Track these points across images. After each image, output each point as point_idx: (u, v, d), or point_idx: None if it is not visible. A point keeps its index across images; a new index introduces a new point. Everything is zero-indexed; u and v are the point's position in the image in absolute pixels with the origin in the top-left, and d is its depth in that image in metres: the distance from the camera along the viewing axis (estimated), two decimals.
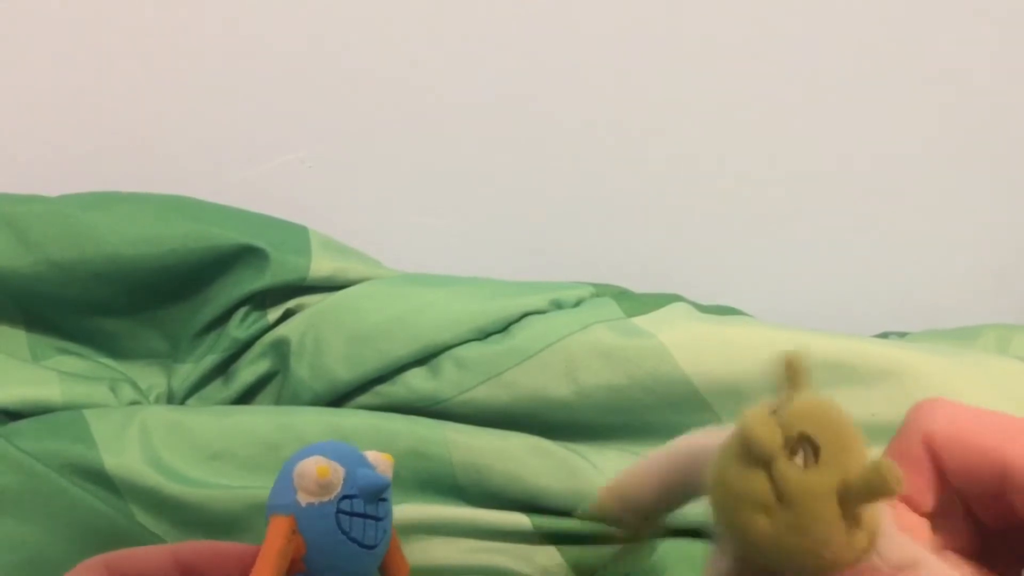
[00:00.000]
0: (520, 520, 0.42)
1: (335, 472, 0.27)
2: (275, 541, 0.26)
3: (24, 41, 0.52)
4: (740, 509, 0.24)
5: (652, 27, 0.55)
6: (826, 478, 0.23)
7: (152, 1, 0.52)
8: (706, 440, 0.29)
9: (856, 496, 0.22)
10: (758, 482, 0.23)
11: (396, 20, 0.53)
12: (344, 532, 0.27)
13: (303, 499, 0.27)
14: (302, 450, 0.28)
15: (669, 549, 0.42)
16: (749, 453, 0.23)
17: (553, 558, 0.43)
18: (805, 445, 0.23)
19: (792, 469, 0.23)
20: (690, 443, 0.30)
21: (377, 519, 0.28)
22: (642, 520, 0.34)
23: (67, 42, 0.52)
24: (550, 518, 0.43)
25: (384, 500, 0.29)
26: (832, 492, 0.23)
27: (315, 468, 0.27)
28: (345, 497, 0.27)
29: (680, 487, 0.31)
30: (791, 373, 0.25)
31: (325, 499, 0.27)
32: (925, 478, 0.25)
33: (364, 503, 0.28)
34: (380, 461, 0.29)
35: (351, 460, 0.28)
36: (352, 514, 0.27)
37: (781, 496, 0.23)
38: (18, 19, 0.52)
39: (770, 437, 0.23)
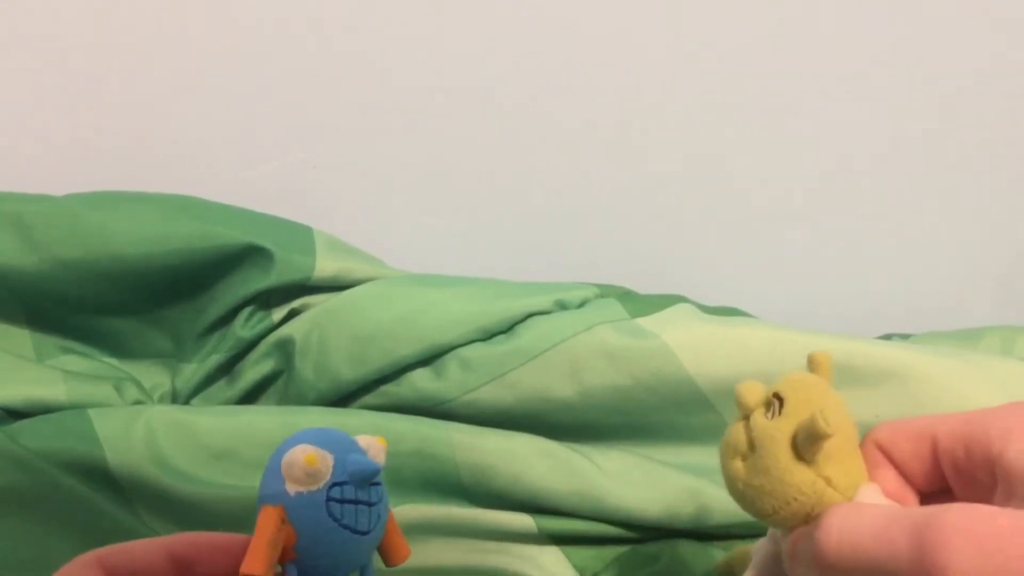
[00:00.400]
0: (524, 521, 0.42)
1: (323, 460, 0.27)
2: (265, 531, 0.26)
3: (29, 40, 0.52)
4: (726, 455, 0.28)
5: (654, 28, 0.55)
6: (783, 426, 0.27)
7: (158, 1, 0.52)
8: None
9: (801, 440, 0.26)
10: (740, 432, 0.28)
11: (401, 22, 0.53)
12: (335, 519, 0.27)
13: (292, 488, 0.27)
14: (290, 438, 0.28)
15: (674, 551, 0.42)
16: (738, 410, 0.28)
17: (557, 559, 0.43)
18: (775, 401, 0.27)
19: (760, 419, 0.27)
20: None
21: (370, 504, 0.28)
22: None
23: (72, 41, 0.52)
24: (554, 519, 0.43)
25: (377, 484, 0.28)
26: (787, 438, 0.26)
27: (303, 457, 0.26)
28: (335, 484, 0.27)
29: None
30: (814, 368, 0.29)
31: (314, 488, 0.27)
32: (892, 472, 0.28)
33: (355, 489, 0.27)
34: (372, 445, 0.29)
35: (341, 446, 0.28)
36: (343, 501, 0.27)
37: (750, 442, 0.27)
38: (23, 18, 0.52)
39: (751, 395, 0.28)
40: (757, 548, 0.35)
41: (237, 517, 0.40)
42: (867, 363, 0.44)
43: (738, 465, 0.28)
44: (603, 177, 0.57)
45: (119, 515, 0.40)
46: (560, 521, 0.43)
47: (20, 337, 0.47)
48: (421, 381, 0.45)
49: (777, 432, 0.27)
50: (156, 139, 0.54)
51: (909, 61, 0.56)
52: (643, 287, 0.50)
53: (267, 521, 0.26)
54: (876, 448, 0.28)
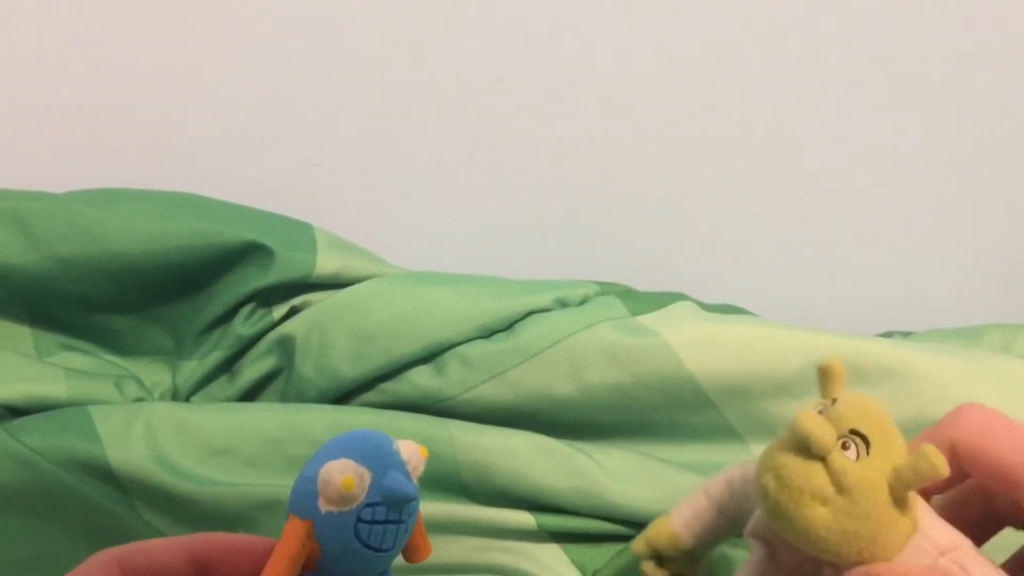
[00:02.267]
0: (525, 519, 0.42)
1: (360, 482, 0.26)
2: (290, 545, 0.26)
3: (31, 38, 0.52)
4: (800, 502, 0.26)
5: (655, 29, 0.55)
6: (878, 466, 0.26)
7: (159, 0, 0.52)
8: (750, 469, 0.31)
9: (906, 481, 0.25)
10: (817, 475, 0.26)
11: (404, 21, 0.53)
12: (361, 541, 0.26)
13: (323, 506, 0.26)
14: (333, 442, 0.27)
15: None
16: (806, 449, 0.26)
17: (557, 557, 0.43)
18: (856, 439, 0.26)
19: (847, 461, 0.26)
20: (741, 473, 0.33)
21: (399, 522, 0.27)
22: (690, 559, 0.36)
23: (74, 39, 0.52)
24: (555, 516, 0.43)
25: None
26: (884, 479, 0.25)
27: (339, 480, 0.26)
28: (368, 505, 0.26)
29: (733, 516, 0.33)
30: (827, 379, 0.28)
31: (346, 509, 0.26)
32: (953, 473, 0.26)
33: (387, 510, 0.27)
34: (413, 456, 0.28)
35: (381, 461, 0.27)
36: (373, 522, 0.26)
37: (839, 486, 0.25)
38: (25, 16, 0.52)
39: (826, 434, 0.26)
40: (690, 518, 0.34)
41: (237, 515, 0.40)
42: (868, 361, 0.44)
43: (819, 512, 0.26)
44: (604, 175, 0.57)
45: (119, 512, 0.40)
46: (560, 519, 0.43)
47: (21, 334, 0.47)
48: (421, 379, 0.45)
49: (874, 474, 0.25)
50: (157, 137, 0.54)
51: (912, 62, 0.56)
52: (644, 285, 0.50)
53: (293, 535, 0.26)
54: (948, 452, 0.27)
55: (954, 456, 0.27)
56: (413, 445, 0.28)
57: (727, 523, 0.34)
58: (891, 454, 0.26)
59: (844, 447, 0.26)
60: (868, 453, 0.26)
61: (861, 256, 0.60)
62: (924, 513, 0.26)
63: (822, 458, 0.26)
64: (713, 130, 0.57)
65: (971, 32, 0.56)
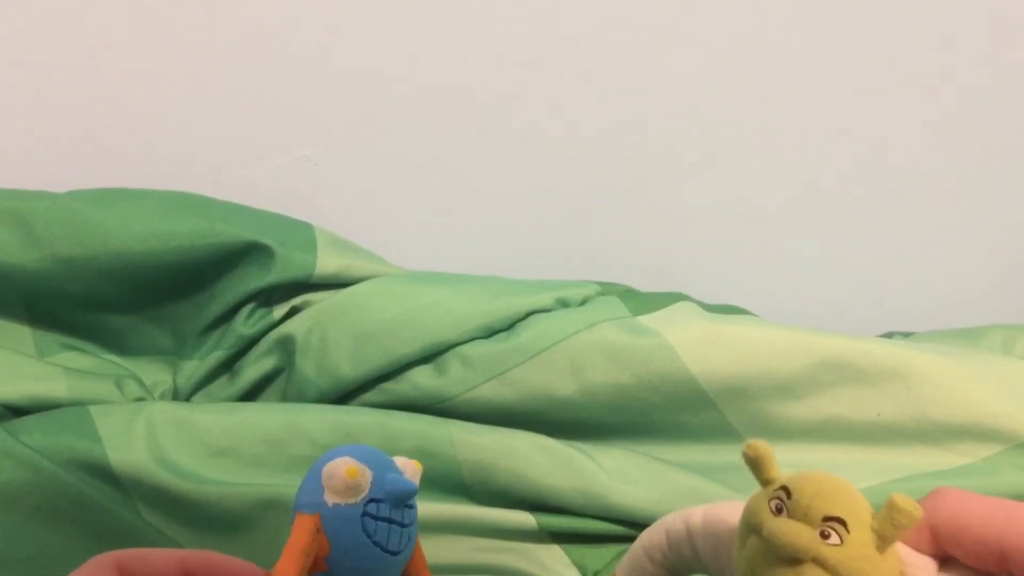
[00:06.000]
0: (525, 519, 0.42)
1: (363, 474, 0.27)
2: (300, 538, 0.26)
3: (30, 38, 0.52)
4: None
5: (657, 29, 0.55)
6: (864, 540, 0.25)
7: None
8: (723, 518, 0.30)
9: (890, 538, 0.24)
10: (812, 574, 0.25)
11: (404, 21, 0.53)
12: (368, 535, 0.27)
13: (330, 499, 0.27)
14: (331, 451, 0.28)
15: None
16: (793, 559, 0.25)
17: (558, 557, 0.43)
18: (831, 524, 0.25)
19: (836, 551, 0.25)
20: (683, 523, 0.32)
21: (403, 525, 0.28)
22: None
23: (74, 39, 0.52)
24: (555, 517, 0.43)
25: (410, 507, 0.28)
26: (873, 548, 0.25)
27: (344, 469, 0.26)
28: (372, 500, 0.27)
29: (675, 568, 0.32)
30: (758, 463, 0.27)
31: (352, 501, 0.27)
32: (931, 552, 0.27)
33: (390, 508, 0.27)
34: (408, 467, 0.29)
35: (380, 464, 0.28)
36: (377, 518, 0.27)
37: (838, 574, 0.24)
38: (24, 16, 0.52)
39: (809, 538, 0.25)
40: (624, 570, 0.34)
41: (238, 514, 0.40)
42: (869, 361, 0.44)
43: None
44: (608, 176, 0.57)
45: (119, 512, 0.40)
46: (561, 519, 0.43)
47: (21, 334, 0.47)
48: (422, 378, 0.45)
49: (862, 548, 0.25)
50: (158, 137, 0.54)
51: (913, 64, 0.56)
52: (646, 285, 0.50)
53: (302, 529, 0.26)
54: (930, 538, 0.26)
55: (936, 540, 0.27)
56: (406, 459, 0.29)
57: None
58: (865, 521, 0.25)
59: (824, 536, 0.25)
60: (848, 531, 0.25)
61: (861, 256, 0.60)
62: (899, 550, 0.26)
63: (812, 558, 0.25)
64: (714, 131, 0.57)
65: (972, 34, 0.56)
